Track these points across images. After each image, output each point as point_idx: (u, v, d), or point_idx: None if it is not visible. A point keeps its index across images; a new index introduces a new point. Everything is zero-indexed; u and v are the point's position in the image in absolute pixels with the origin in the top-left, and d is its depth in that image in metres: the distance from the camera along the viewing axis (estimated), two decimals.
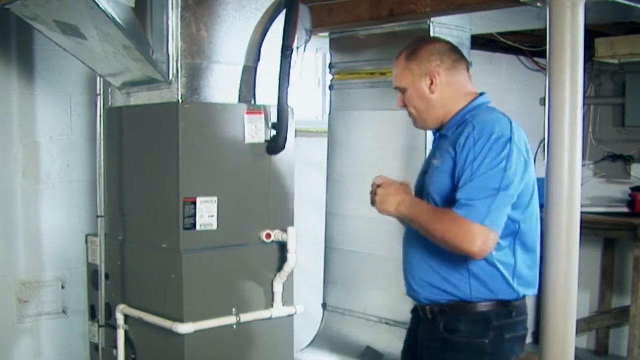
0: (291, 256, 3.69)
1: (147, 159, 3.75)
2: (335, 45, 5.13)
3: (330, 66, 5.17)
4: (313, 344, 5.14)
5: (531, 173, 2.84)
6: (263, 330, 3.79)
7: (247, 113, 3.69)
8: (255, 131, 3.71)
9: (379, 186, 3.00)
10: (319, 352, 5.06)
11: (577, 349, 3.51)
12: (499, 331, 2.87)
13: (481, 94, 2.99)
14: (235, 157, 3.67)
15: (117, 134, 3.94)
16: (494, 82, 6.41)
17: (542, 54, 3.58)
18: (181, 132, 3.49)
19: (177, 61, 3.51)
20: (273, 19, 3.74)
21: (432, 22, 4.45)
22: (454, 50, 3.00)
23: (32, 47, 4.40)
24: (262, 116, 3.72)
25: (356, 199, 4.91)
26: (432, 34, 4.44)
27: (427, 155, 3.31)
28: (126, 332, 3.87)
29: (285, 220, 3.83)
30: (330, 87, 5.17)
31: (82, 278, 4.37)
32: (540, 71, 6.49)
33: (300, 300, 3.94)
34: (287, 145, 3.74)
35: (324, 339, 5.13)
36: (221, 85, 3.63)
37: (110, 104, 4.02)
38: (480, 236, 2.67)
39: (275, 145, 3.72)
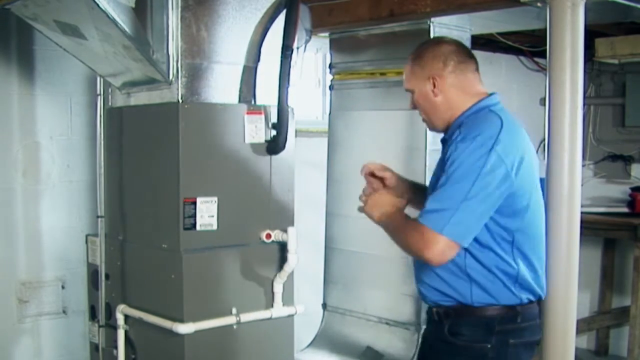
0: (291, 256, 3.69)
1: (147, 159, 3.75)
2: (335, 45, 5.13)
3: (330, 66, 5.17)
4: (313, 344, 5.14)
5: (525, 180, 2.77)
6: (263, 330, 3.79)
7: (247, 113, 3.69)
8: (255, 131, 3.71)
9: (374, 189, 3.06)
10: (319, 352, 5.06)
11: (577, 349, 3.52)
12: (502, 336, 2.85)
13: (491, 94, 2.95)
14: (235, 157, 3.67)
15: (117, 134, 3.94)
16: (494, 82, 6.38)
17: (542, 54, 3.58)
18: (181, 132, 3.49)
19: (177, 61, 3.51)
20: (273, 19, 3.74)
21: (432, 22, 4.46)
22: (459, 51, 2.96)
23: (32, 47, 4.40)
24: (262, 116, 3.73)
25: (356, 199, 4.91)
26: (432, 34, 4.45)
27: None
28: (126, 332, 3.87)
29: (285, 220, 3.83)
30: (330, 87, 5.17)
31: (82, 278, 4.37)
32: (540, 71, 6.49)
33: (300, 300, 3.94)
34: (287, 145, 3.74)
35: (324, 339, 5.13)
36: (221, 85, 3.64)
37: (110, 104, 4.02)
38: (437, 244, 2.67)
39: (275, 145, 3.72)
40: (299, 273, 3.88)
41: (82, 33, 3.47)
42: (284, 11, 3.71)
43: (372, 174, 3.13)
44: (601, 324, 6.74)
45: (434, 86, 2.92)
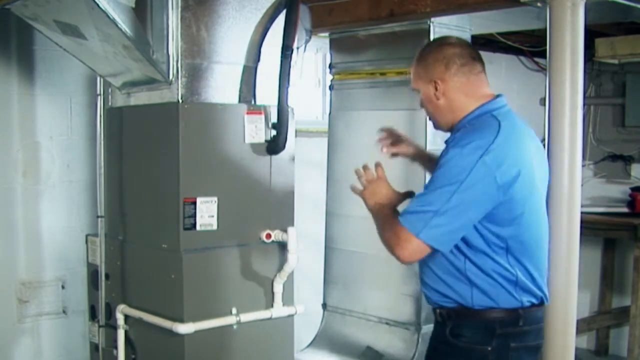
0: (291, 256, 3.68)
1: (147, 159, 3.75)
2: (335, 45, 5.13)
3: (330, 66, 5.17)
4: (313, 344, 5.14)
5: (520, 190, 2.74)
6: (263, 330, 3.79)
7: (247, 113, 3.69)
8: (255, 131, 3.71)
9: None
10: (319, 352, 5.06)
11: (577, 348, 3.52)
12: (503, 339, 2.84)
13: (497, 97, 2.93)
14: (235, 157, 3.67)
15: (117, 134, 3.94)
16: (494, 82, 6.31)
17: (542, 54, 3.58)
18: (181, 132, 3.50)
19: (177, 61, 3.51)
20: (273, 19, 3.74)
21: (432, 22, 4.45)
22: (462, 54, 2.92)
23: (32, 47, 4.40)
24: (262, 116, 3.73)
25: (356, 199, 4.90)
26: (432, 34, 4.45)
27: None
28: (126, 332, 3.87)
29: (285, 220, 3.83)
30: (330, 87, 5.17)
31: (82, 278, 4.37)
32: (540, 71, 6.49)
33: (300, 300, 3.94)
34: (287, 145, 3.74)
35: (324, 339, 5.13)
36: (221, 85, 3.64)
37: (110, 104, 4.02)
38: (409, 244, 2.72)
39: (275, 145, 3.72)
40: (299, 273, 3.88)
41: (82, 33, 3.47)
42: (284, 11, 3.71)
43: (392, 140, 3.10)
44: (601, 324, 6.74)
45: (436, 89, 2.92)
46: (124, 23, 3.26)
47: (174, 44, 3.49)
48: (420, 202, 2.75)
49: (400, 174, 4.60)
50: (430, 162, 3.27)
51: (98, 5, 3.16)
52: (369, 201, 3.03)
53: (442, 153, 2.82)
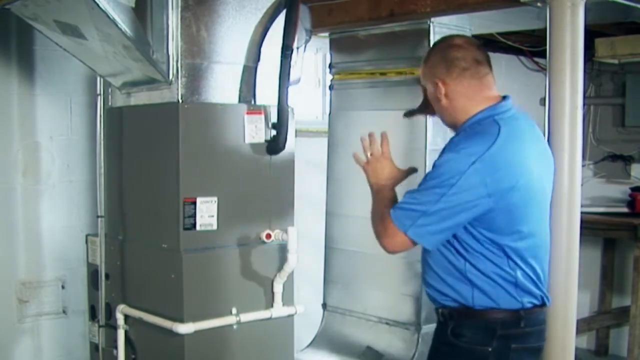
0: (291, 256, 3.68)
1: (147, 158, 3.75)
2: (335, 45, 5.14)
3: (330, 66, 5.17)
4: (313, 343, 5.14)
5: (515, 199, 2.75)
6: (263, 330, 3.79)
7: (247, 113, 3.69)
8: (255, 131, 3.71)
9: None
10: (319, 352, 5.06)
11: (577, 348, 3.52)
12: (504, 340, 2.84)
13: (503, 99, 2.92)
14: (235, 157, 3.67)
15: (117, 134, 3.94)
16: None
17: (542, 54, 3.58)
18: (181, 132, 3.50)
19: (177, 61, 3.51)
20: (273, 19, 3.74)
21: (432, 22, 4.45)
22: (466, 57, 2.89)
23: (32, 47, 4.40)
24: (262, 116, 3.72)
25: (356, 199, 4.91)
26: (431, 34, 4.45)
27: None
28: (126, 332, 3.87)
29: (285, 220, 3.83)
30: (330, 87, 5.17)
31: (82, 278, 4.37)
32: (540, 71, 6.49)
33: (300, 300, 3.94)
34: (287, 145, 3.74)
35: (324, 339, 5.13)
36: (221, 85, 3.64)
37: (110, 103, 4.02)
38: (396, 238, 2.81)
39: (275, 145, 3.72)
40: (299, 273, 3.88)
41: (82, 33, 3.47)
42: (284, 11, 3.71)
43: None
44: (601, 323, 6.74)
45: (438, 90, 2.92)
46: (124, 23, 3.27)
47: (174, 44, 3.49)
48: (411, 199, 2.80)
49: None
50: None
51: (98, 5, 3.16)
52: (371, 178, 3.06)
53: (442, 151, 2.83)
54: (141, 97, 3.76)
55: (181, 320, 3.50)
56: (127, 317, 3.85)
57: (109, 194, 4.02)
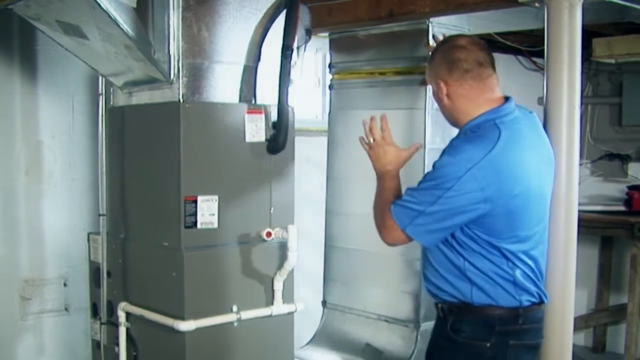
0: (291, 254, 3.68)
1: (149, 157, 3.75)
2: (335, 45, 5.13)
3: (330, 66, 5.16)
4: (313, 341, 5.14)
5: (514, 204, 2.76)
6: (263, 328, 3.79)
7: (248, 112, 3.69)
8: (256, 130, 3.71)
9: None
10: (318, 349, 5.06)
11: (574, 345, 3.51)
12: (502, 336, 2.85)
13: (505, 100, 2.91)
14: (235, 156, 3.67)
15: (118, 133, 3.93)
16: None
17: (540, 54, 3.58)
18: (182, 131, 3.49)
19: (178, 61, 3.51)
20: (273, 19, 3.74)
21: (431, 22, 4.44)
22: (468, 59, 2.88)
23: (35, 47, 4.40)
24: (263, 115, 3.73)
25: (356, 197, 4.91)
26: (430, 34, 4.43)
27: None
28: (128, 330, 3.87)
29: (285, 218, 3.83)
30: (330, 87, 5.16)
31: (84, 276, 4.37)
32: (538, 71, 6.48)
33: (300, 297, 3.95)
34: (287, 144, 3.74)
35: (323, 336, 5.13)
36: (222, 85, 3.64)
37: (112, 103, 4.02)
38: (394, 233, 2.86)
39: (275, 144, 3.72)
40: (299, 271, 3.88)
41: (84, 33, 3.47)
42: (284, 11, 3.71)
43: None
44: (598, 321, 6.75)
45: (440, 90, 2.91)
46: (125, 23, 3.26)
47: (175, 44, 3.49)
48: (410, 197, 2.83)
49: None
50: None
51: (100, 5, 3.16)
52: (376, 164, 3.06)
53: (441, 153, 2.83)
54: (142, 97, 3.76)
55: (182, 318, 3.50)
56: (128, 315, 3.85)
57: (110, 193, 4.02)
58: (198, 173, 3.56)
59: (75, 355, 4.62)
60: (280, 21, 3.72)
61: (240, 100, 3.69)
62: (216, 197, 3.59)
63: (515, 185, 2.75)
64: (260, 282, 3.78)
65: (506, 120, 2.83)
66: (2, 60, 4.31)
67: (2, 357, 4.39)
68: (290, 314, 3.89)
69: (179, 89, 3.51)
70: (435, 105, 3.11)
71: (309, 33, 4.01)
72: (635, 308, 5.85)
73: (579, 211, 3.40)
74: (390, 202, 2.88)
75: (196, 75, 3.56)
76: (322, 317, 5.20)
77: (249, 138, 3.69)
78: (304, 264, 3.96)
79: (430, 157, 4.42)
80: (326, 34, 5.13)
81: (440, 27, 4.46)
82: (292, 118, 3.78)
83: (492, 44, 5.61)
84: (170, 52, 3.49)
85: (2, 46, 4.31)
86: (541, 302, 2.95)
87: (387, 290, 4.80)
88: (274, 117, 3.72)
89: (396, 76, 4.68)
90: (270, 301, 3.79)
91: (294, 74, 3.78)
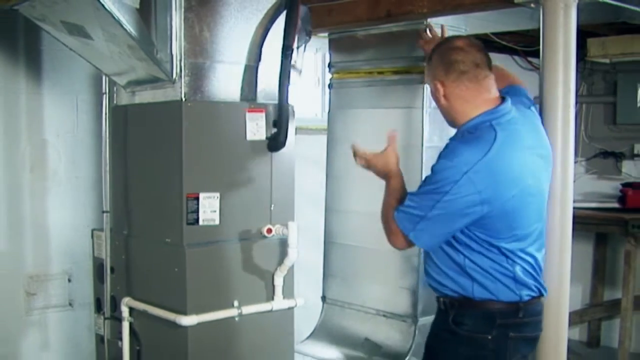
0: (291, 250, 3.69)
1: (151, 155, 3.75)
2: (334, 45, 5.12)
3: (330, 65, 5.16)
4: (313, 335, 5.14)
5: (511, 205, 2.77)
6: (264, 322, 3.79)
7: (249, 111, 3.69)
8: (257, 128, 3.71)
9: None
10: (318, 344, 5.06)
11: (569, 340, 3.52)
12: (503, 329, 2.87)
13: (502, 101, 2.90)
14: (236, 154, 3.68)
15: (122, 131, 3.94)
16: None
17: (536, 54, 3.57)
18: (184, 129, 3.50)
19: (181, 60, 3.51)
20: (273, 19, 3.74)
21: (429, 23, 4.44)
22: (466, 60, 2.87)
23: (40, 47, 4.40)
24: (263, 114, 3.73)
25: (355, 195, 4.91)
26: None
27: None
28: (131, 324, 3.87)
29: (285, 215, 3.83)
30: (330, 86, 5.16)
31: (88, 271, 4.37)
32: (533, 70, 6.47)
33: (300, 293, 3.95)
34: (287, 142, 3.75)
35: (323, 331, 5.13)
36: (223, 84, 3.64)
37: (115, 102, 4.02)
38: (401, 237, 2.88)
39: (275, 142, 3.73)
40: (299, 267, 3.88)
41: (88, 33, 3.47)
42: (284, 12, 3.71)
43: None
44: (593, 316, 6.75)
45: (437, 91, 2.91)
46: (128, 23, 3.27)
47: (178, 44, 3.49)
48: (411, 201, 2.85)
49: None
50: None
51: (104, 6, 3.16)
52: (378, 173, 3.11)
53: (439, 156, 2.83)
54: (145, 96, 3.76)
55: (184, 313, 3.51)
56: (131, 310, 3.86)
57: (114, 190, 4.02)
58: (200, 170, 3.56)
59: (79, 349, 4.62)
60: (280, 21, 3.72)
61: (241, 99, 3.70)
62: (218, 194, 3.60)
63: (511, 187, 2.76)
64: (261, 278, 3.78)
65: (502, 121, 2.83)
66: (7, 60, 4.31)
67: (8, 351, 4.40)
68: (291, 309, 3.89)
69: (181, 88, 3.52)
70: (433, 104, 3.11)
71: (308, 33, 4.01)
72: (629, 303, 5.86)
73: (574, 208, 3.41)
74: (394, 208, 2.89)
75: (198, 75, 3.56)
76: (321, 312, 5.20)
77: (249, 136, 3.70)
78: (303, 260, 3.96)
79: (427, 155, 4.43)
80: (326, 34, 5.13)
81: (438, 27, 4.45)
82: (292, 116, 3.78)
83: (488, 44, 5.62)
84: (173, 52, 3.49)
85: (8, 46, 4.31)
86: (540, 295, 2.96)
87: (385, 285, 4.80)
88: (274, 115, 3.72)
89: (394, 75, 4.68)
90: (270, 296, 3.80)
91: (294, 73, 3.78)
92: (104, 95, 4.06)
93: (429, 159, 4.41)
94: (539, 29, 3.43)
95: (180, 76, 3.51)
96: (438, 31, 3.92)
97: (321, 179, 5.18)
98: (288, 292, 3.84)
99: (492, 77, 2.93)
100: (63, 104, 4.52)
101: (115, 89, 4.00)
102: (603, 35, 5.77)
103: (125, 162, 3.92)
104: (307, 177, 4.90)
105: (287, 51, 3.65)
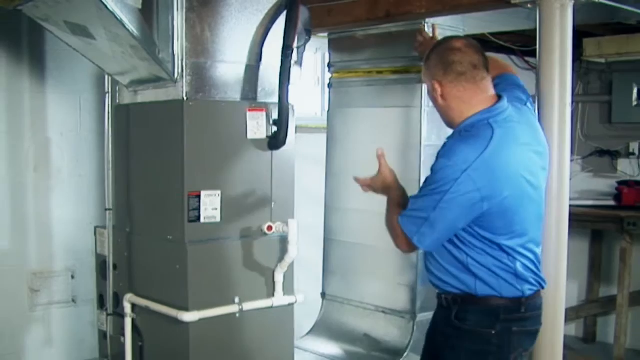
0: (292, 247, 3.69)
1: (153, 154, 3.76)
2: (334, 45, 5.13)
3: (329, 65, 5.16)
4: (312, 331, 5.14)
5: (509, 201, 2.76)
6: (265, 319, 3.79)
7: (249, 110, 3.69)
8: (257, 127, 3.71)
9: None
10: (318, 339, 5.06)
11: (565, 336, 3.53)
12: (506, 324, 2.87)
13: (498, 99, 2.89)
14: (237, 152, 3.68)
15: (124, 130, 3.94)
16: None
17: (533, 54, 3.58)
18: (186, 128, 3.50)
19: (182, 60, 3.51)
20: (274, 19, 3.74)
21: (427, 23, 4.44)
22: (463, 61, 2.86)
23: (43, 47, 4.41)
24: (264, 113, 3.73)
25: (354, 192, 4.89)
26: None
27: None
28: (133, 320, 3.87)
29: (286, 212, 3.83)
30: (329, 85, 5.16)
31: (91, 268, 4.37)
32: (530, 70, 6.46)
33: (300, 289, 3.95)
34: (287, 141, 3.75)
35: (323, 327, 5.13)
36: (224, 84, 3.64)
37: (118, 101, 4.03)
38: (407, 243, 2.87)
39: (276, 140, 3.73)
40: (299, 263, 3.88)
41: (91, 33, 3.47)
42: (285, 12, 3.71)
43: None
44: (589, 312, 6.75)
45: (435, 91, 2.91)
46: (131, 24, 3.27)
47: (179, 44, 3.50)
48: (414, 205, 2.85)
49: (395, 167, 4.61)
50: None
51: (106, 6, 3.16)
52: (379, 192, 3.08)
53: (436, 156, 2.83)
54: (148, 95, 3.77)
55: (186, 309, 3.51)
56: (134, 306, 3.86)
57: (116, 188, 4.03)
58: (201, 169, 3.56)
59: (82, 345, 4.62)
60: (280, 22, 3.72)
61: (242, 99, 3.70)
62: (219, 192, 3.60)
63: (509, 184, 2.75)
64: (261, 275, 3.78)
65: (499, 119, 2.82)
66: (11, 60, 4.31)
67: (12, 347, 4.40)
68: (291, 305, 3.89)
69: (182, 87, 3.52)
70: (431, 103, 3.11)
71: (308, 33, 4.01)
72: (625, 299, 5.86)
73: (570, 206, 3.41)
74: (397, 214, 2.89)
75: (199, 74, 3.56)
76: (321, 309, 5.21)
77: (250, 135, 3.70)
78: (303, 257, 3.97)
79: (426, 153, 4.43)
80: (325, 34, 5.13)
81: (436, 27, 4.46)
82: (293, 115, 3.78)
83: (486, 43, 5.62)
84: (175, 52, 3.50)
85: (12, 46, 4.31)
86: (541, 288, 2.97)
87: (384, 282, 4.81)
88: (274, 114, 3.72)
89: (393, 75, 4.68)
90: (271, 293, 3.80)
91: (297, 73, 3.79)
92: (107, 95, 4.06)
93: (427, 157, 4.41)
94: (535, 29, 3.44)
95: (182, 76, 3.51)
96: (431, 32, 3.93)
97: (321, 177, 5.18)
98: (288, 289, 3.84)
99: (489, 78, 2.92)
100: (66, 103, 4.53)
101: (117, 88, 4.01)
102: (599, 35, 5.77)
103: (128, 161, 3.92)
104: (307, 175, 4.90)
105: (287, 51, 3.65)
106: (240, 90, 3.69)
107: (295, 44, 3.69)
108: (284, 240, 3.75)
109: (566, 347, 3.57)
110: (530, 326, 2.97)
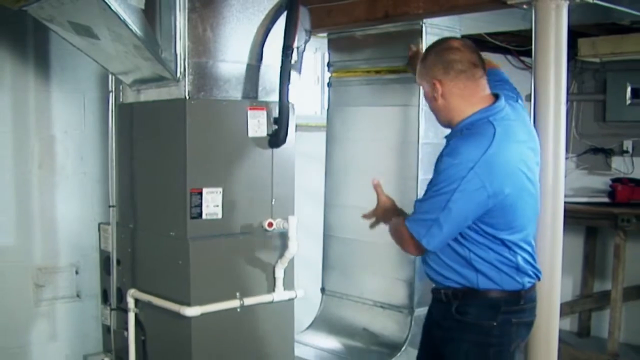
0: (292, 243, 3.69)
1: (156, 152, 3.76)
2: (333, 45, 5.13)
3: (329, 64, 5.16)
4: (312, 326, 5.15)
5: (511, 196, 2.79)
6: (265, 313, 3.80)
7: (250, 109, 3.69)
8: (258, 126, 3.71)
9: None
10: (317, 334, 5.07)
11: (560, 330, 3.53)
12: (506, 315, 2.90)
13: (496, 98, 2.91)
14: (239, 150, 3.68)
15: (127, 128, 3.94)
16: None
17: (528, 53, 3.58)
18: (188, 126, 3.50)
19: (184, 60, 3.51)
20: (274, 20, 3.74)
21: (424, 23, 4.44)
22: (462, 60, 2.88)
23: (48, 47, 4.40)
24: (264, 111, 3.73)
25: (353, 190, 4.91)
26: (424, 35, 4.43)
27: None
28: (136, 315, 3.87)
29: (286, 209, 3.83)
30: (329, 84, 5.16)
31: (95, 264, 4.38)
32: (526, 69, 6.46)
33: (300, 284, 3.96)
34: (287, 139, 3.75)
35: (322, 322, 5.13)
36: (226, 83, 3.63)
37: (121, 100, 4.02)
38: (415, 244, 2.88)
39: (276, 139, 3.73)
40: (299, 259, 3.88)
41: (95, 33, 3.46)
42: (285, 13, 3.71)
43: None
44: (583, 307, 6.76)
45: (435, 90, 2.91)
46: (134, 24, 3.27)
47: (182, 44, 3.49)
48: (421, 208, 2.86)
49: (393, 166, 4.62)
50: None
51: (110, 7, 3.16)
52: (384, 220, 3.18)
53: (439, 156, 2.83)
54: (150, 94, 3.76)
55: (188, 304, 3.51)
56: (137, 301, 3.86)
57: (120, 185, 4.03)
58: (203, 166, 3.56)
59: (87, 339, 4.62)
60: (281, 22, 3.72)
61: (243, 97, 3.69)
62: (220, 189, 3.60)
63: (510, 181, 2.77)
64: (262, 270, 3.78)
65: (498, 117, 2.84)
66: (17, 60, 4.31)
67: (18, 341, 4.40)
68: (291, 300, 3.89)
69: (185, 86, 3.52)
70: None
71: (308, 33, 4.01)
72: (619, 295, 5.86)
73: (565, 203, 3.42)
74: (403, 220, 2.92)
75: (201, 74, 3.56)
76: (321, 303, 5.21)
77: (251, 133, 3.70)
78: (303, 253, 3.97)
79: (423, 151, 4.44)
80: (325, 34, 5.13)
81: (433, 27, 4.46)
82: (293, 114, 3.78)
83: (482, 43, 5.62)
84: (177, 52, 3.49)
85: (17, 46, 4.30)
86: (537, 279, 2.99)
87: (382, 277, 4.81)
88: (275, 113, 3.72)
89: (391, 74, 4.68)
90: (271, 288, 3.80)
91: (294, 72, 3.79)
92: (111, 94, 4.06)
93: (425, 154, 4.42)
94: (531, 30, 3.43)
95: (184, 75, 3.51)
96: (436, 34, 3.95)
97: (320, 174, 5.18)
98: (288, 284, 3.85)
99: (486, 78, 2.93)
100: (71, 102, 4.52)
101: (121, 87, 4.00)
102: (593, 35, 5.77)
103: (131, 158, 3.92)
104: (306, 172, 4.90)
105: (287, 51, 3.65)
106: (241, 89, 3.69)
107: (295, 44, 3.69)
108: (284, 237, 3.75)
109: (561, 341, 3.58)
110: (527, 317, 3.00)
